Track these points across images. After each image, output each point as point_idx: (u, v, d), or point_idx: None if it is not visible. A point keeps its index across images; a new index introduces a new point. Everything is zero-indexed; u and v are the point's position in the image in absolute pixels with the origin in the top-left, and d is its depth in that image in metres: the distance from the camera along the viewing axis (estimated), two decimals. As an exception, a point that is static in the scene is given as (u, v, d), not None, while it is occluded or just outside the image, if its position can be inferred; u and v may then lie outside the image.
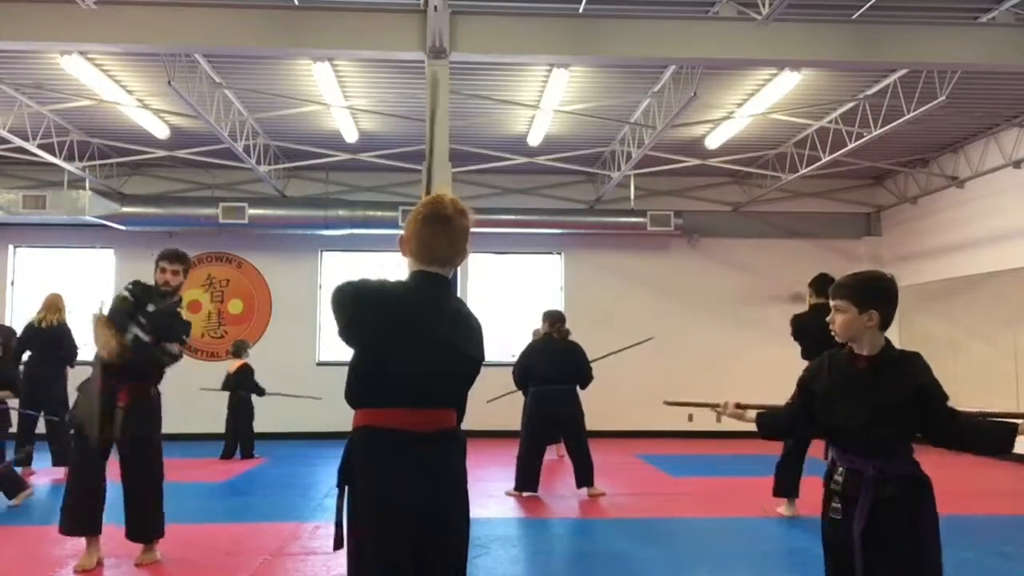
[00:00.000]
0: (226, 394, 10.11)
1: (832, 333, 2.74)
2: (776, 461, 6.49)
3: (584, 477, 7.45)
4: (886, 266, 12.22)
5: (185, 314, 5.09)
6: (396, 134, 10.54)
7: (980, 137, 10.80)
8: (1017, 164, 10.17)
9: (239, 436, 9.97)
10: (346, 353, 2.38)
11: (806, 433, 2.78)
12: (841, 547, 2.65)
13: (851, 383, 2.70)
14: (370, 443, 2.35)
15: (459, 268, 2.68)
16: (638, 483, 8.40)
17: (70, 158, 10.77)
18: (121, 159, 11.81)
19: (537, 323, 8.24)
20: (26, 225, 12.11)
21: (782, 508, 6.47)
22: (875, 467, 2.61)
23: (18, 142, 9.66)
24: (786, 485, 6.39)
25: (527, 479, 7.44)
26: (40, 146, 9.95)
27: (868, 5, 6.95)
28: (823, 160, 10.47)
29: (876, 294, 2.69)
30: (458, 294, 2.68)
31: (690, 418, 12.27)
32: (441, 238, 2.43)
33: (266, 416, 10.42)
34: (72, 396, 8.09)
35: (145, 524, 4.83)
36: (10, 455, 7.71)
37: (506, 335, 11.38)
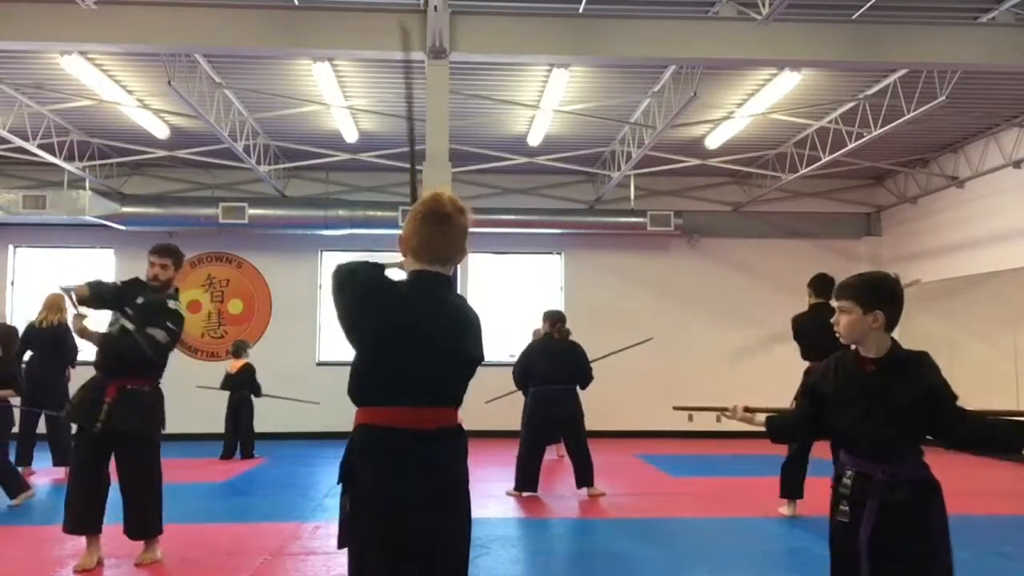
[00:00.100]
0: (225, 394, 10.11)
1: (836, 334, 2.70)
2: (780, 463, 6.48)
3: (584, 477, 7.45)
4: (886, 266, 12.22)
5: (184, 312, 5.02)
6: (396, 134, 10.54)
7: (980, 137, 10.80)
8: (1017, 164, 10.18)
9: (241, 436, 9.98)
10: (346, 353, 2.39)
11: (816, 437, 2.74)
12: (848, 551, 2.61)
13: (858, 386, 2.66)
14: (370, 441, 2.35)
15: (459, 268, 2.68)
16: (638, 483, 8.40)
17: (70, 158, 10.78)
18: (121, 159, 11.81)
19: (537, 323, 8.24)
20: (26, 225, 12.12)
21: (783, 508, 6.47)
22: (884, 471, 2.57)
23: (18, 142, 9.67)
24: (792, 486, 6.39)
25: (527, 479, 7.44)
26: (40, 146, 9.96)
27: (868, 5, 6.95)
28: (823, 160, 10.48)
29: (881, 294, 2.65)
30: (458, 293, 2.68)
31: (690, 418, 12.27)
32: (440, 236, 2.43)
33: (266, 416, 10.42)
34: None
35: (143, 522, 4.83)
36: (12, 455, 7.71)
37: (506, 335, 11.38)
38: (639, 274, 12.83)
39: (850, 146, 9.85)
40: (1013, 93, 9.18)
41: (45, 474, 8.22)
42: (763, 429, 3.00)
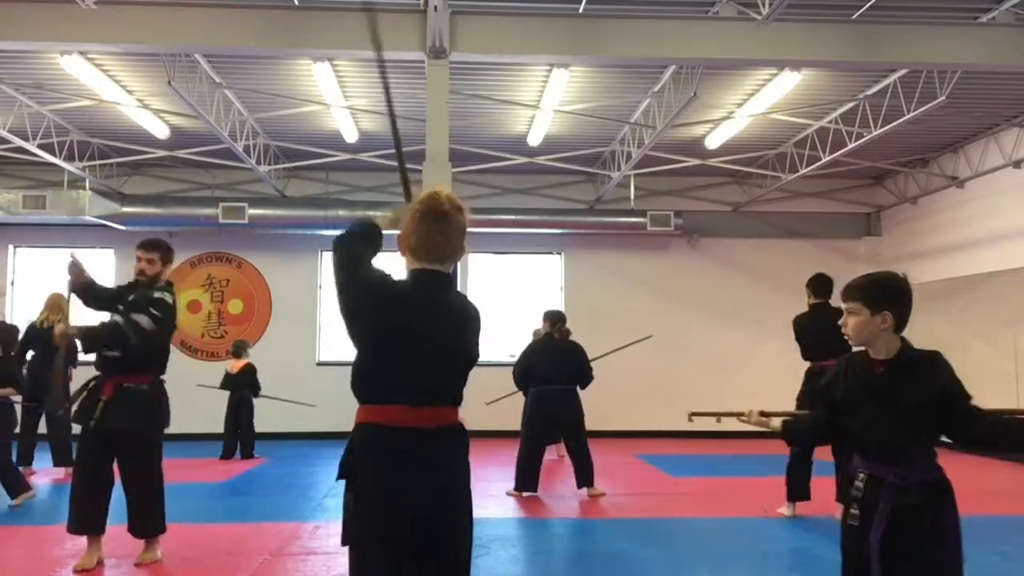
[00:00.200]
0: (225, 394, 10.11)
1: (844, 336, 2.66)
2: (780, 462, 6.49)
3: (584, 477, 7.45)
4: (886, 266, 12.21)
5: (174, 300, 4.88)
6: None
7: (980, 137, 10.80)
8: (1017, 164, 10.18)
9: (242, 436, 9.98)
10: (346, 353, 2.39)
11: (833, 441, 2.69)
12: (859, 554, 2.57)
13: (868, 388, 2.62)
14: (370, 440, 2.35)
15: (459, 267, 2.69)
16: (638, 483, 8.40)
17: (70, 158, 10.78)
18: (121, 159, 11.81)
19: (537, 323, 8.24)
20: (26, 225, 12.12)
21: (783, 508, 6.47)
22: (895, 474, 2.53)
23: (18, 142, 9.67)
24: (798, 488, 6.38)
25: (527, 479, 7.44)
26: (40, 146, 9.96)
27: (868, 5, 6.95)
28: (823, 160, 10.48)
29: (888, 294, 2.61)
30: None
31: (690, 418, 12.29)
32: (438, 235, 2.44)
33: (266, 416, 10.42)
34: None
35: (145, 521, 4.84)
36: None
37: (506, 335, 11.38)
38: (639, 274, 12.82)
39: (850, 146, 9.85)
40: (1013, 93, 9.17)
41: (45, 474, 8.22)
42: (776, 432, 2.97)
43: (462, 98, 8.97)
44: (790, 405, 6.20)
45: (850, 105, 9.50)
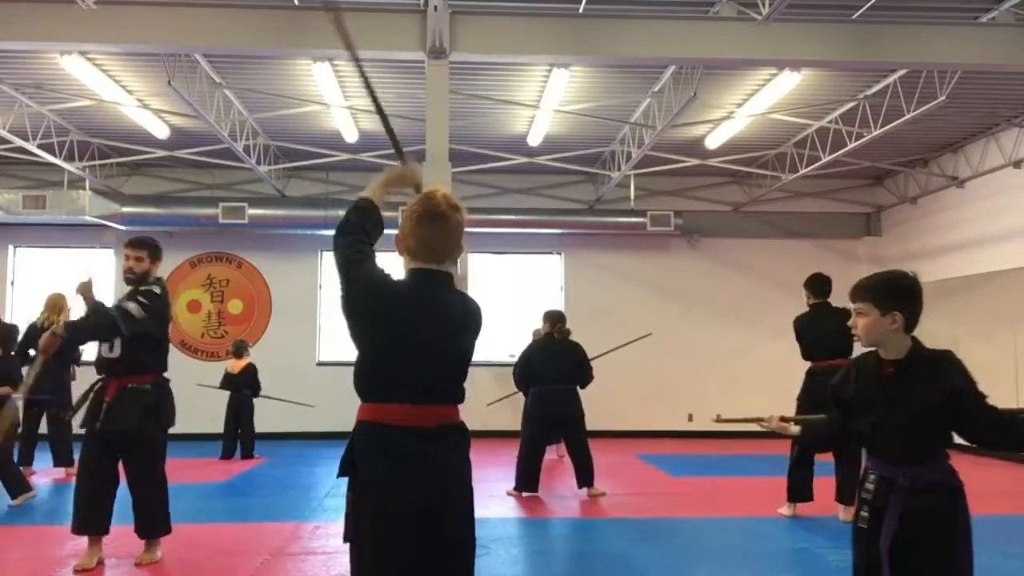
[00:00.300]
0: (225, 394, 10.11)
1: (855, 336, 2.65)
2: (780, 463, 6.49)
3: (584, 477, 7.45)
4: (886, 266, 12.20)
5: (164, 290, 4.84)
6: (396, 134, 10.52)
7: (980, 137, 10.80)
8: (1017, 164, 10.18)
9: (243, 435, 9.98)
10: (346, 353, 2.40)
11: (851, 443, 2.65)
12: (869, 556, 2.54)
13: (878, 390, 2.58)
14: (371, 438, 2.36)
15: (459, 267, 2.69)
16: (638, 483, 8.40)
17: (70, 158, 10.77)
18: (121, 159, 11.81)
19: (537, 323, 8.24)
20: (26, 225, 12.12)
21: (783, 508, 6.47)
22: (905, 476, 2.49)
23: (18, 142, 9.67)
24: (799, 489, 6.38)
25: (527, 479, 7.44)
26: (40, 146, 9.96)
27: (868, 5, 6.95)
28: (823, 160, 10.48)
29: (898, 294, 2.56)
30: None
31: (690, 418, 12.28)
32: (436, 235, 2.45)
33: (266, 416, 10.42)
34: (75, 397, 8.13)
35: (148, 522, 4.84)
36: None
37: (506, 335, 11.38)
38: (639, 274, 12.82)
39: (850, 146, 9.86)
40: (1013, 93, 9.17)
41: (45, 474, 8.22)
42: (796, 436, 2.97)
43: (462, 98, 8.97)
44: (790, 404, 6.21)
45: (850, 105, 9.50)
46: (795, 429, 2.95)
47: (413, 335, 2.37)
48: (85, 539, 4.79)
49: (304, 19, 6.99)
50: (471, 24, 6.99)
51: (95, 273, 5.09)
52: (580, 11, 7.10)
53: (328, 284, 12.10)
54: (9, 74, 8.68)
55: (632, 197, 12.46)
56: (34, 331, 8.14)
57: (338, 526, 2.17)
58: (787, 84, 8.57)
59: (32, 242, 12.57)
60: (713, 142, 10.95)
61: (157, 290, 4.82)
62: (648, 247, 12.88)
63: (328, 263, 12.46)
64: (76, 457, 5.17)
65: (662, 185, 12.80)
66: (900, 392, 2.54)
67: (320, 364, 12.34)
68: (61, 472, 8.18)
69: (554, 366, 7.48)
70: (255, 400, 10.15)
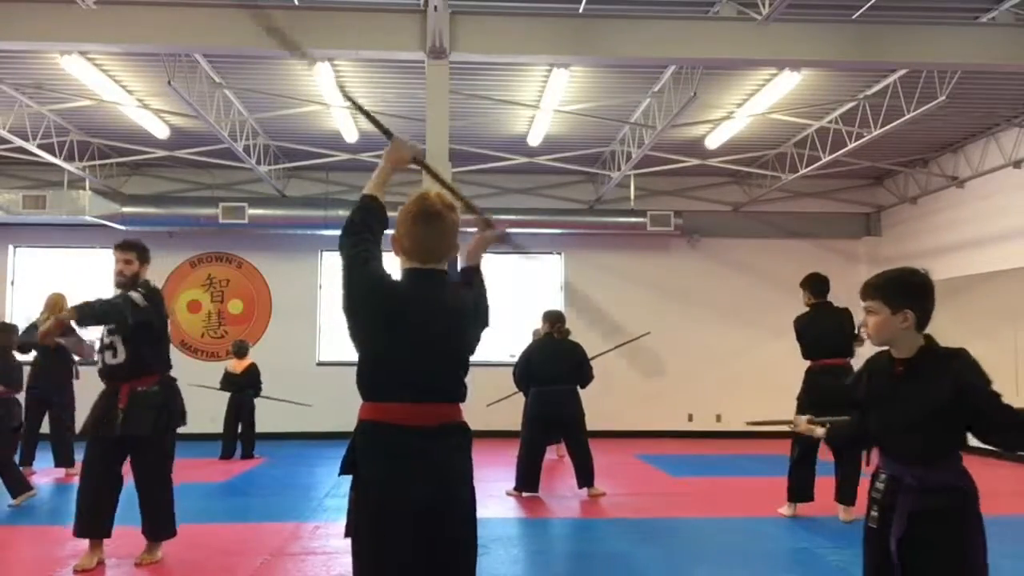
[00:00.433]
0: (225, 394, 10.11)
1: (863, 336, 2.67)
2: (781, 463, 6.49)
3: (584, 477, 7.44)
4: (886, 266, 12.20)
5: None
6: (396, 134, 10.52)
7: (980, 137, 10.80)
8: (1017, 164, 10.18)
9: (244, 435, 9.98)
10: (346, 353, 2.40)
11: (873, 443, 2.64)
12: (879, 556, 2.51)
13: (889, 388, 2.55)
14: (372, 436, 2.37)
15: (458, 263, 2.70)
16: (638, 483, 8.40)
17: (70, 158, 10.77)
18: (121, 159, 11.81)
19: (537, 323, 8.24)
20: (26, 225, 12.12)
21: (783, 508, 6.47)
22: (913, 476, 2.45)
23: (18, 142, 9.66)
24: (799, 489, 6.38)
25: (527, 479, 7.44)
26: (40, 146, 9.95)
27: (868, 5, 6.95)
28: (823, 160, 10.48)
29: (908, 291, 2.53)
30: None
31: (690, 418, 12.29)
32: (431, 235, 2.46)
33: (266, 416, 10.42)
34: (75, 397, 8.13)
35: (155, 524, 4.86)
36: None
37: (506, 335, 11.37)
38: (639, 274, 12.82)
39: (850, 146, 9.85)
40: (1013, 93, 9.17)
41: (46, 474, 8.22)
42: (822, 439, 2.99)
43: (462, 98, 8.96)
44: (790, 404, 6.22)
45: (850, 105, 9.50)
46: (821, 431, 2.94)
47: (413, 335, 2.38)
48: (86, 539, 4.79)
49: (304, 19, 6.98)
50: (471, 24, 6.99)
51: (94, 274, 5.09)
52: (580, 11, 7.10)
53: (328, 284, 12.10)
54: (9, 74, 8.67)
55: (632, 197, 12.46)
56: (34, 331, 8.14)
57: (338, 526, 2.17)
58: (787, 84, 8.57)
59: (32, 242, 12.57)
60: (713, 142, 10.95)
61: (154, 287, 4.90)
62: (648, 247, 12.88)
63: (328, 263, 12.46)
64: (77, 458, 5.17)
65: (662, 185, 12.80)
66: (910, 391, 2.50)
67: (320, 364, 12.34)
68: (62, 472, 8.18)
69: (554, 366, 7.48)
70: (257, 400, 10.15)
